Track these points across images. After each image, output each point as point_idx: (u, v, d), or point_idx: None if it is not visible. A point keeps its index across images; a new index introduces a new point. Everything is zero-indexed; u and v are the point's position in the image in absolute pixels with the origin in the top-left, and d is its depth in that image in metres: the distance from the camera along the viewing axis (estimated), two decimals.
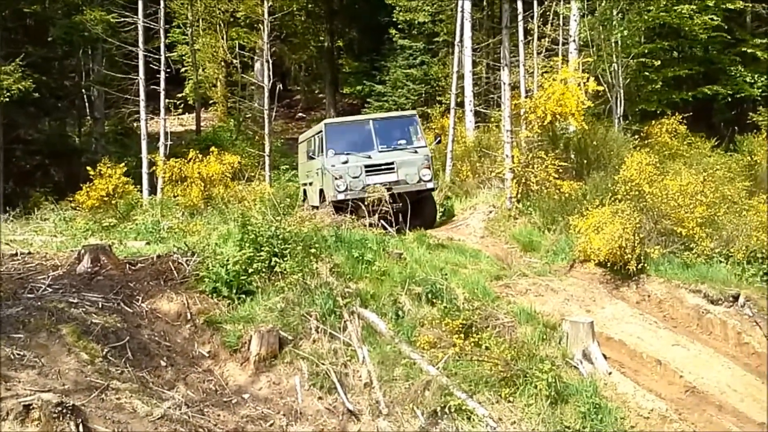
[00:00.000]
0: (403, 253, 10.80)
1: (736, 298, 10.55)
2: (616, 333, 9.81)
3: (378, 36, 28.30)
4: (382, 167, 13.93)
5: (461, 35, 18.12)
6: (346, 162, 13.78)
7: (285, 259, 9.19)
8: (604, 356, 8.86)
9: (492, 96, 23.31)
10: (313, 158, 15.15)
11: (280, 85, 22.62)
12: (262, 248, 9.27)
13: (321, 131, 14.38)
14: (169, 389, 7.35)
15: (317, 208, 14.38)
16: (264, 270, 9.15)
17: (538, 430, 7.26)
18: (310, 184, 15.56)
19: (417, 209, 14.22)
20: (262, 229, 9.42)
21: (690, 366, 9.20)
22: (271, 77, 17.72)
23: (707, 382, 8.95)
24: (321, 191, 14.43)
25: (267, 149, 16.99)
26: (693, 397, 8.66)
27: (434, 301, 9.08)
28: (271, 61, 18.05)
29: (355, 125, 14.88)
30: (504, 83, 17.95)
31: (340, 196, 13.53)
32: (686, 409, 8.34)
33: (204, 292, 8.99)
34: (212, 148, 15.67)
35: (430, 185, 14.34)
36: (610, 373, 8.60)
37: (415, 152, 14.29)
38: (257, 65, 24.91)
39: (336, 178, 13.61)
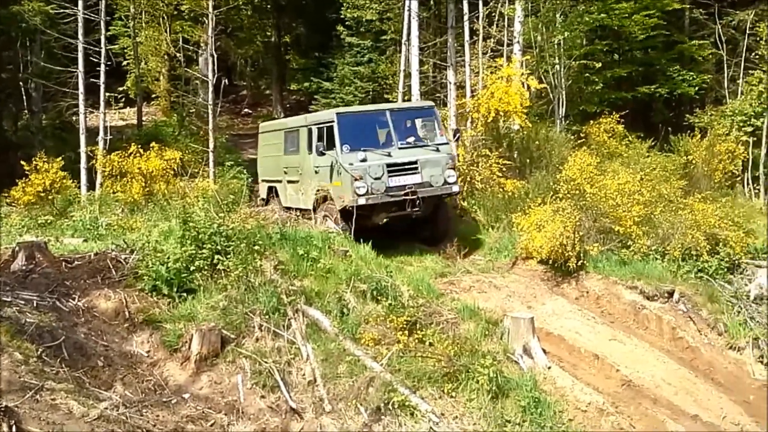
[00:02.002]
0: (349, 251, 10.80)
1: (671, 294, 10.93)
2: (555, 328, 10.04)
3: (325, 33, 28.16)
4: (406, 167, 12.19)
5: (408, 34, 18.18)
6: (364, 160, 11.94)
7: (228, 256, 9.07)
8: (544, 351, 9.06)
9: (438, 95, 23.46)
10: (295, 152, 13.71)
11: (226, 80, 22.34)
12: (204, 245, 9.14)
13: (329, 122, 12.38)
14: (106, 389, 7.20)
15: (300, 210, 13.19)
16: (206, 268, 9.03)
17: (480, 424, 7.37)
18: (291, 182, 13.87)
19: (429, 218, 12.79)
20: (204, 226, 9.27)
21: (626, 360, 9.49)
22: (216, 72, 17.42)
23: (643, 375, 9.24)
24: (323, 198, 12.61)
25: (211, 145, 16.70)
26: (629, 391, 8.92)
27: (379, 298, 9.12)
28: (215, 56, 17.74)
29: (369, 116, 13.01)
30: (450, 82, 18.13)
31: (361, 201, 11.73)
32: (622, 402, 8.59)
33: (143, 290, 8.82)
34: (153, 143, 15.32)
35: (455, 188, 12.74)
36: (549, 368, 8.78)
37: (438, 150, 12.59)
38: (201, 59, 24.52)
39: (356, 179, 11.72)
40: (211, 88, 17.08)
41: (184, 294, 8.86)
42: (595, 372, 9.30)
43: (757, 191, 18.24)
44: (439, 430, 7.28)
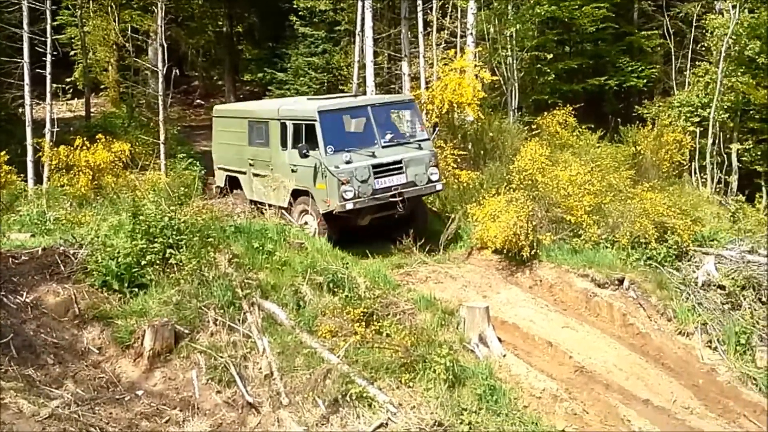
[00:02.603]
0: (305, 243, 10.74)
1: (621, 281, 11.16)
2: (510, 317, 10.17)
3: (279, 23, 27.86)
4: (391, 167, 11.86)
5: (362, 25, 18.13)
6: (349, 162, 11.51)
7: (180, 250, 8.92)
8: (499, 339, 9.18)
9: (393, 86, 23.47)
10: (263, 145, 12.96)
11: (177, 71, 21.91)
12: (156, 239, 8.96)
13: (309, 120, 11.80)
14: (57, 387, 7.06)
15: (271, 205, 12.47)
16: (158, 262, 8.86)
17: (437, 413, 7.42)
18: (258, 176, 13.13)
19: (409, 216, 12.45)
20: (155, 220, 9.08)
21: (579, 347, 9.67)
22: (166, 62, 17.06)
23: (595, 362, 9.42)
24: (300, 193, 12.17)
25: (162, 137, 16.38)
26: (582, 377, 9.10)
27: (336, 290, 9.11)
28: (166, 46, 17.36)
29: (350, 112, 12.45)
30: (404, 74, 18.17)
31: (349, 205, 11.38)
32: (575, 388, 8.76)
33: (93, 285, 8.66)
34: (99, 135, 14.95)
35: (439, 186, 12.50)
36: (504, 356, 8.90)
37: (420, 147, 12.32)
38: (151, 49, 23.98)
39: (342, 183, 11.32)
40: (161, 79, 16.74)
41: (136, 289, 8.70)
42: (549, 359, 9.46)
43: (704, 180, 18.74)
44: (396, 420, 7.31)
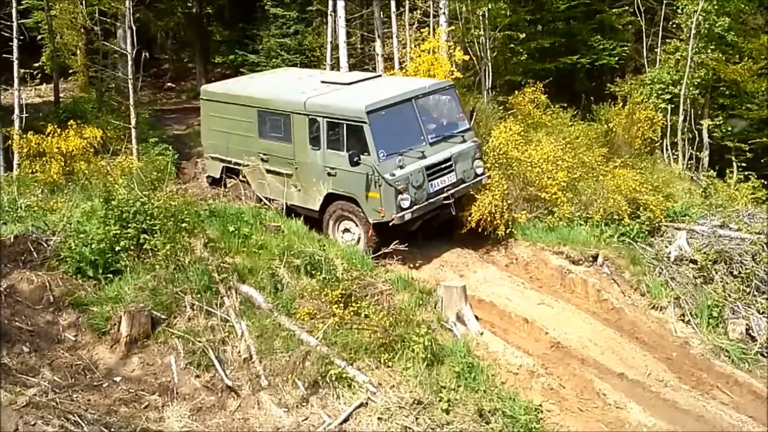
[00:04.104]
0: (281, 226, 10.70)
1: (595, 258, 11.32)
2: (487, 295, 10.28)
3: (249, 4, 27.52)
4: (443, 167, 10.93)
5: (334, 5, 17.95)
6: (402, 166, 10.48)
7: (155, 235, 8.82)
8: (476, 318, 9.27)
9: (367, 67, 23.32)
10: (282, 140, 11.52)
11: (146, 54, 21.54)
12: (129, 225, 8.86)
13: (355, 120, 10.48)
14: (33, 375, 7.01)
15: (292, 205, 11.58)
16: (132, 248, 8.77)
17: (416, 392, 7.49)
18: (274, 172, 11.76)
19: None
20: (128, 205, 8.98)
21: (554, 323, 9.81)
22: (136, 45, 16.78)
23: (570, 337, 9.57)
24: (336, 197, 11.05)
25: (133, 121, 16.14)
26: (558, 352, 9.24)
27: (313, 272, 9.10)
28: (134, 28, 17.09)
29: (396, 108, 10.87)
30: (377, 54, 18.07)
31: (407, 215, 10.37)
32: (552, 364, 8.89)
33: (67, 272, 8.57)
34: (71, 122, 14.68)
35: (484, 180, 11.51)
36: (481, 334, 9.00)
37: (464, 139, 11.38)
38: (120, 32, 23.52)
39: (399, 193, 10.30)
40: (130, 62, 16.47)
41: (110, 275, 8.63)
42: (525, 335, 9.58)
43: (675, 157, 18.99)
44: (376, 399, 7.37)
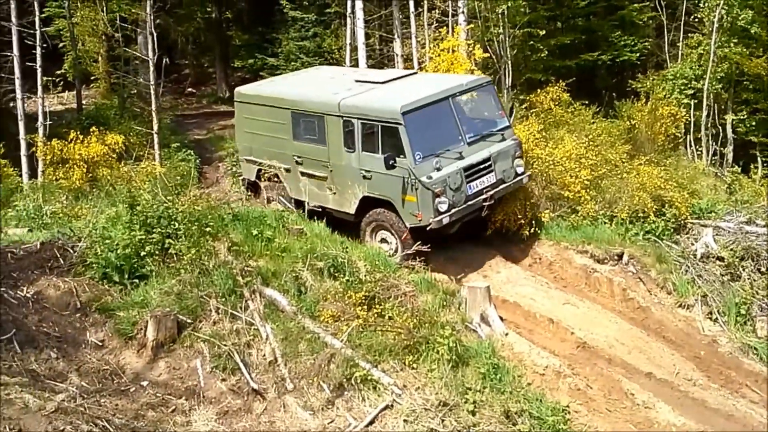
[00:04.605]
0: (303, 228, 10.72)
1: (620, 256, 11.20)
2: (511, 295, 10.21)
3: (268, 7, 27.67)
4: (482, 168, 10.58)
5: (353, 6, 18.00)
6: (440, 168, 10.15)
7: (179, 240, 8.87)
8: (501, 318, 9.22)
9: (386, 68, 23.37)
10: (316, 142, 11.27)
11: (167, 59, 21.73)
12: (154, 230, 8.92)
13: (390, 122, 10.15)
14: (61, 381, 7.07)
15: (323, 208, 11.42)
16: (157, 252, 8.83)
17: (442, 393, 7.45)
18: (308, 175, 11.54)
19: None
20: (152, 210, 9.05)
21: (580, 323, 9.72)
22: (156, 51, 16.97)
23: (596, 337, 9.48)
24: (372, 201, 10.75)
25: (155, 127, 16.32)
26: (584, 352, 9.15)
27: (336, 274, 9.09)
28: (155, 34, 17.27)
29: (432, 107, 10.51)
30: (397, 55, 18.08)
31: (445, 219, 10.05)
32: (578, 364, 8.81)
33: (93, 278, 8.65)
34: (93, 128, 14.85)
35: (525, 180, 11.20)
36: (506, 334, 8.95)
37: (503, 138, 11.01)
38: (141, 38, 23.80)
39: (437, 196, 10.00)
40: (152, 68, 16.66)
41: (136, 280, 8.69)
42: (551, 336, 9.50)
43: (699, 153, 18.74)
44: (401, 401, 7.35)
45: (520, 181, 11.11)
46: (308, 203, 11.65)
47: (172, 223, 9.05)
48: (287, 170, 11.96)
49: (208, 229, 9.15)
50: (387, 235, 10.74)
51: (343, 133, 10.81)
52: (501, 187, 10.79)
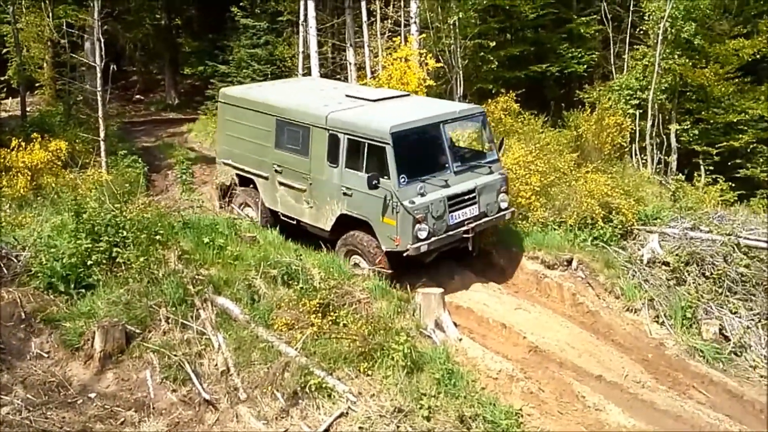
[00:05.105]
0: (256, 236, 10.61)
1: (569, 262, 11.41)
2: (464, 301, 10.29)
3: (218, 14, 27.45)
4: (465, 198, 10.32)
5: (305, 15, 17.99)
6: (424, 194, 9.84)
7: (127, 248, 8.69)
8: (455, 324, 9.27)
9: (339, 76, 23.36)
10: (299, 153, 10.96)
11: (114, 66, 21.28)
12: (101, 238, 8.72)
13: (377, 140, 9.86)
14: (6, 393, 6.85)
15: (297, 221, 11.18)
16: (104, 261, 8.63)
17: (397, 400, 7.45)
18: (286, 185, 11.28)
19: None
20: (99, 218, 8.83)
21: (532, 327, 9.85)
22: (104, 57, 16.61)
23: (548, 341, 9.61)
24: (349, 219, 10.43)
25: (102, 134, 15.96)
26: (536, 356, 9.27)
27: (290, 282, 9.03)
28: (102, 40, 16.91)
29: (422, 131, 10.31)
30: (350, 63, 18.11)
31: (423, 247, 9.79)
32: (530, 368, 8.92)
33: (38, 288, 8.37)
34: (34, 135, 14.46)
35: (508, 215, 10.99)
36: (460, 340, 9.00)
37: (491, 170, 10.75)
38: (88, 45, 23.30)
39: (417, 222, 9.70)
40: (98, 75, 16.31)
41: (83, 290, 8.46)
42: (504, 340, 9.60)
43: (644, 161, 19.28)
44: (356, 409, 7.31)
45: (502, 216, 10.87)
46: (281, 214, 11.46)
47: (120, 231, 8.87)
48: (265, 178, 11.70)
49: (157, 237, 8.98)
50: (360, 260, 10.39)
51: (328, 146, 10.52)
52: (483, 220, 10.52)
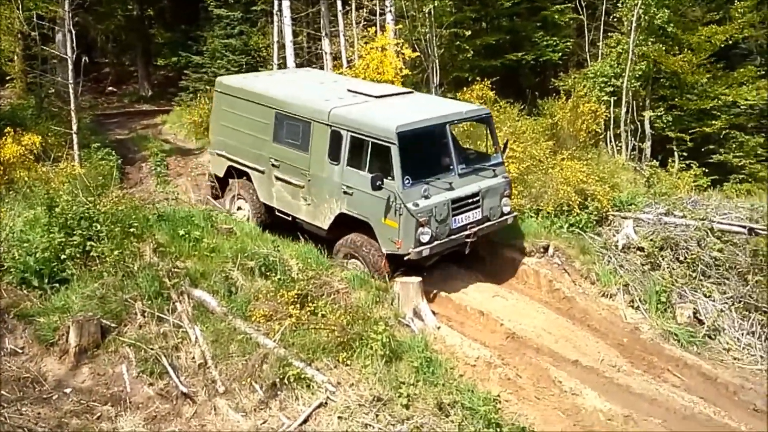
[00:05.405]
0: (233, 228, 10.54)
1: (546, 249, 11.49)
2: (443, 289, 10.30)
3: (191, 4, 27.19)
4: (469, 202, 10.09)
5: (280, 4, 17.85)
6: (428, 196, 9.62)
7: (102, 242, 8.59)
8: (433, 312, 9.29)
9: (314, 66, 23.24)
10: (299, 149, 10.69)
11: (86, 58, 20.98)
12: (74, 232, 8.61)
13: (382, 139, 9.57)
14: None
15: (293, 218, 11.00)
16: (78, 255, 8.53)
17: (376, 389, 7.46)
18: (282, 180, 11.00)
19: None
20: (72, 212, 8.72)
21: (509, 314, 9.92)
22: (75, 49, 16.32)
23: (525, 327, 9.69)
24: (347, 218, 10.17)
25: (74, 127, 15.71)
26: (513, 342, 9.34)
27: (268, 273, 9.00)
28: (74, 32, 16.62)
29: (430, 130, 10.07)
30: (325, 53, 18.02)
31: (425, 251, 9.59)
32: (508, 354, 8.99)
33: (11, 283, 8.27)
34: (8, 129, 14.21)
35: (510, 220, 10.80)
36: (438, 328, 9.04)
37: (494, 174, 10.56)
38: (59, 37, 22.93)
39: (420, 225, 9.50)
40: (70, 67, 16.01)
41: (57, 285, 8.37)
42: (482, 328, 9.66)
43: (618, 148, 19.44)
44: (335, 398, 7.32)
45: (505, 221, 10.68)
46: (276, 210, 11.28)
47: (94, 224, 8.77)
48: (261, 172, 11.41)
49: (132, 230, 8.89)
50: (358, 264, 10.11)
51: (330, 143, 10.20)
52: (486, 224, 10.30)
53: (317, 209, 10.56)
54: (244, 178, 11.88)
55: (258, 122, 11.34)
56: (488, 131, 10.89)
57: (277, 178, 11.12)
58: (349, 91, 11.29)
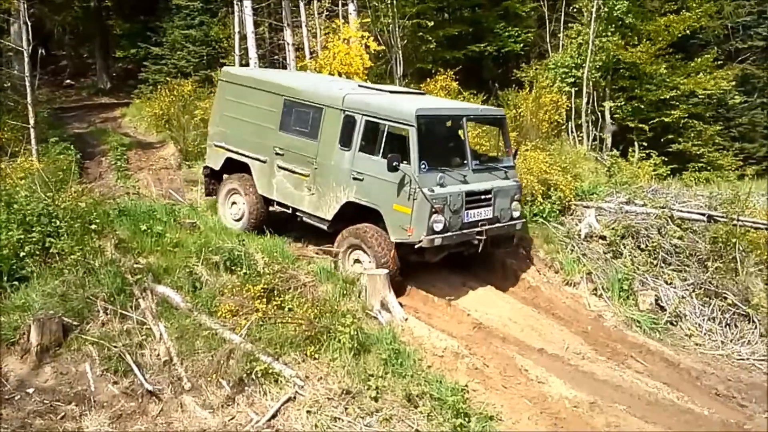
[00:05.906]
0: (197, 222, 10.41)
1: (511, 238, 11.55)
2: (410, 281, 10.31)
3: None
4: (482, 198, 9.86)
5: None
6: (443, 185, 9.40)
7: (61, 238, 8.40)
8: (400, 304, 9.30)
9: (277, 57, 23.06)
10: (307, 137, 10.38)
11: (43, 50, 20.51)
12: (33, 228, 8.41)
13: (399, 122, 9.41)
14: None
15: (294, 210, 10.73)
16: (38, 252, 8.32)
17: (344, 382, 7.45)
18: (286, 170, 10.65)
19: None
20: (30, 208, 8.52)
21: (476, 304, 9.98)
22: (31, 41, 15.92)
23: (491, 317, 9.77)
24: (353, 207, 9.92)
25: (31, 121, 15.34)
26: (480, 332, 9.40)
27: (233, 268, 8.90)
28: (29, 24, 16.21)
29: (446, 122, 10.22)
30: (288, 44, 17.85)
31: (437, 240, 9.29)
32: (475, 344, 9.04)
33: None
34: None
35: (519, 226, 10.55)
36: (406, 319, 9.05)
37: (506, 176, 10.40)
38: (14, 28, 22.33)
39: (435, 212, 9.24)
40: (26, 60, 15.61)
41: (16, 282, 8.14)
42: (449, 318, 9.70)
43: (580, 138, 19.70)
44: (304, 393, 7.29)
45: (513, 226, 10.45)
46: (276, 202, 10.99)
47: (53, 220, 8.57)
48: (262, 162, 11.04)
49: (92, 226, 8.71)
50: (362, 256, 9.82)
51: (342, 128, 9.94)
52: (496, 225, 10.08)
53: (321, 199, 10.27)
54: (243, 173, 11.49)
55: (264, 110, 11.02)
56: (501, 133, 10.85)
57: (280, 168, 10.79)
58: (360, 86, 11.30)
